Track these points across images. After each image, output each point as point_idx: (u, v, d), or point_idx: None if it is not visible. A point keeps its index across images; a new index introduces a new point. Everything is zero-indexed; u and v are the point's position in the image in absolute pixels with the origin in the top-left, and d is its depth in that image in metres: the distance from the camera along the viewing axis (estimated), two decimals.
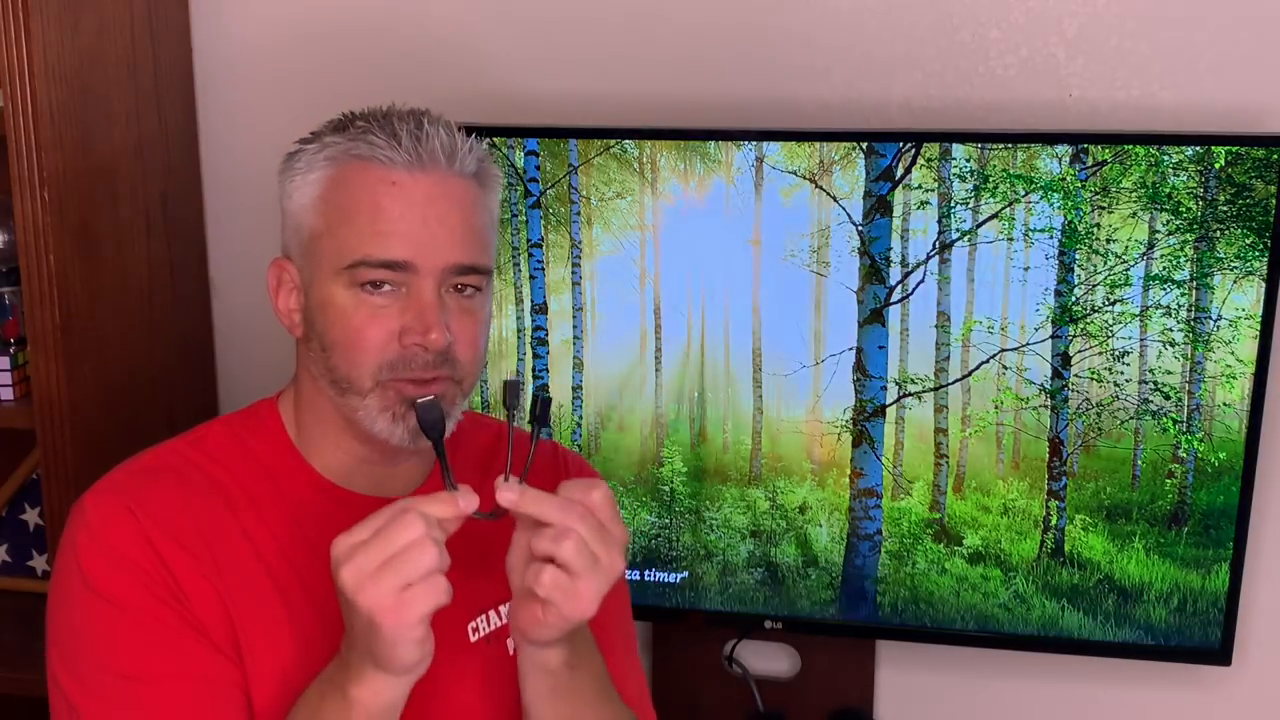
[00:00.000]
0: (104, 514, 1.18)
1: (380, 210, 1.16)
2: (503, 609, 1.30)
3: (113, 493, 1.20)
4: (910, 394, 1.71)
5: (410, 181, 1.17)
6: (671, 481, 1.80)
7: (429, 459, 1.30)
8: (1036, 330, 1.66)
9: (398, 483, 1.27)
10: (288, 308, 1.23)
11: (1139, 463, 1.69)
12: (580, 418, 1.79)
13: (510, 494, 1.06)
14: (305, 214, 1.20)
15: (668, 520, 1.80)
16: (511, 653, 1.29)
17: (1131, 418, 1.67)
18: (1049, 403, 1.68)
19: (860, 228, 1.66)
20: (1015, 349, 1.67)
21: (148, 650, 1.15)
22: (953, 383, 1.70)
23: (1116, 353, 1.65)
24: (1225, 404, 1.65)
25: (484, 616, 1.30)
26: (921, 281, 1.67)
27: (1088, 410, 1.68)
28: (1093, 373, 1.66)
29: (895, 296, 1.68)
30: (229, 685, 1.17)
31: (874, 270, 1.67)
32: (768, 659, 1.98)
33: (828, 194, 1.66)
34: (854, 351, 1.71)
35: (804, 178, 1.66)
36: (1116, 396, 1.67)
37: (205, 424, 1.30)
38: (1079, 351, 1.66)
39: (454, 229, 1.18)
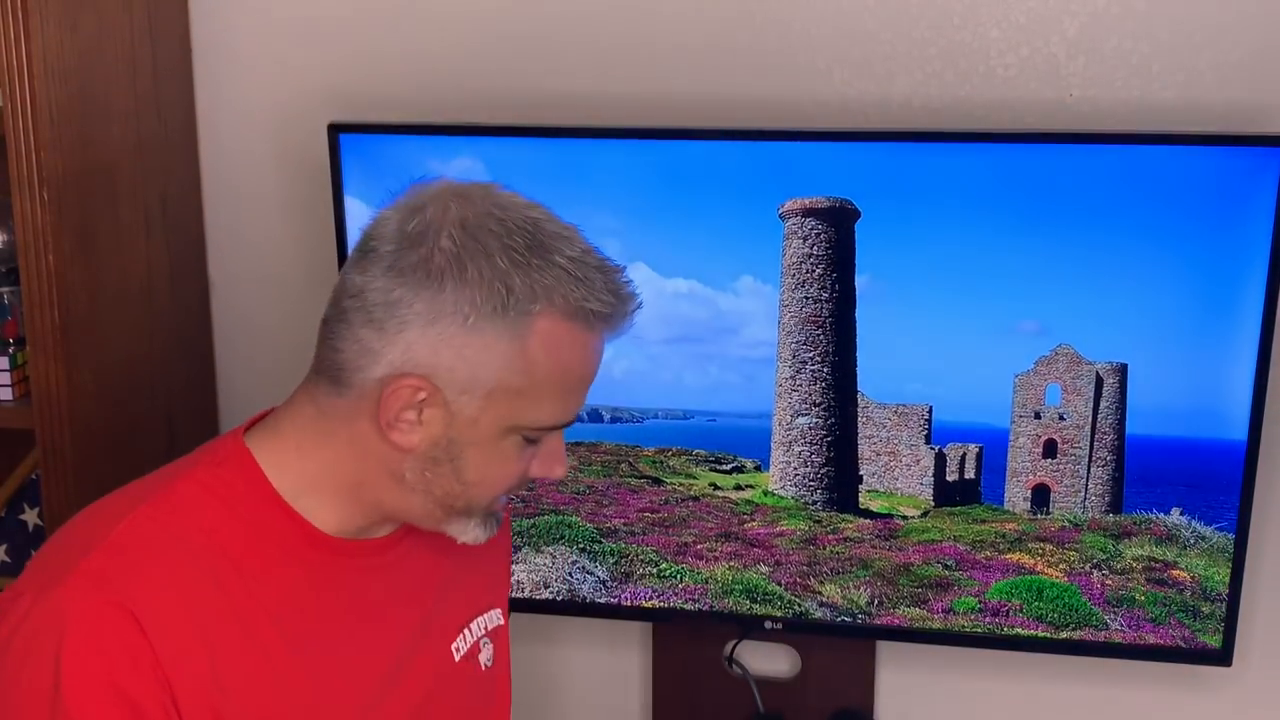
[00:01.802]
0: (95, 624, 1.01)
1: (581, 384, 1.13)
2: (474, 625, 1.30)
3: (99, 589, 1.03)
4: (907, 392, 1.71)
5: (602, 345, 1.13)
6: (673, 481, 1.80)
7: None
8: (1037, 334, 1.66)
9: (385, 527, 1.22)
10: (410, 423, 1.09)
11: (1138, 462, 1.69)
12: (582, 418, 1.79)
13: None
14: (494, 360, 1.06)
15: (669, 519, 1.80)
16: (483, 669, 1.30)
17: (1131, 418, 1.68)
18: (1049, 404, 1.69)
19: (858, 229, 1.66)
20: (1016, 352, 1.67)
21: None
22: (953, 384, 1.70)
23: (1115, 361, 1.66)
24: (1226, 403, 1.65)
25: (461, 636, 1.29)
26: (912, 279, 1.67)
27: (1087, 411, 1.68)
28: (1094, 374, 1.67)
29: (892, 299, 1.68)
30: None
31: (872, 272, 1.67)
32: (768, 659, 1.98)
33: (828, 194, 1.66)
34: (848, 348, 1.70)
35: (804, 178, 1.66)
36: (1116, 397, 1.67)
37: (168, 475, 1.15)
38: (1079, 351, 1.66)
39: None
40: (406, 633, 1.22)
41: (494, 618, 1.34)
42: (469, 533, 1.17)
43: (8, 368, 1.71)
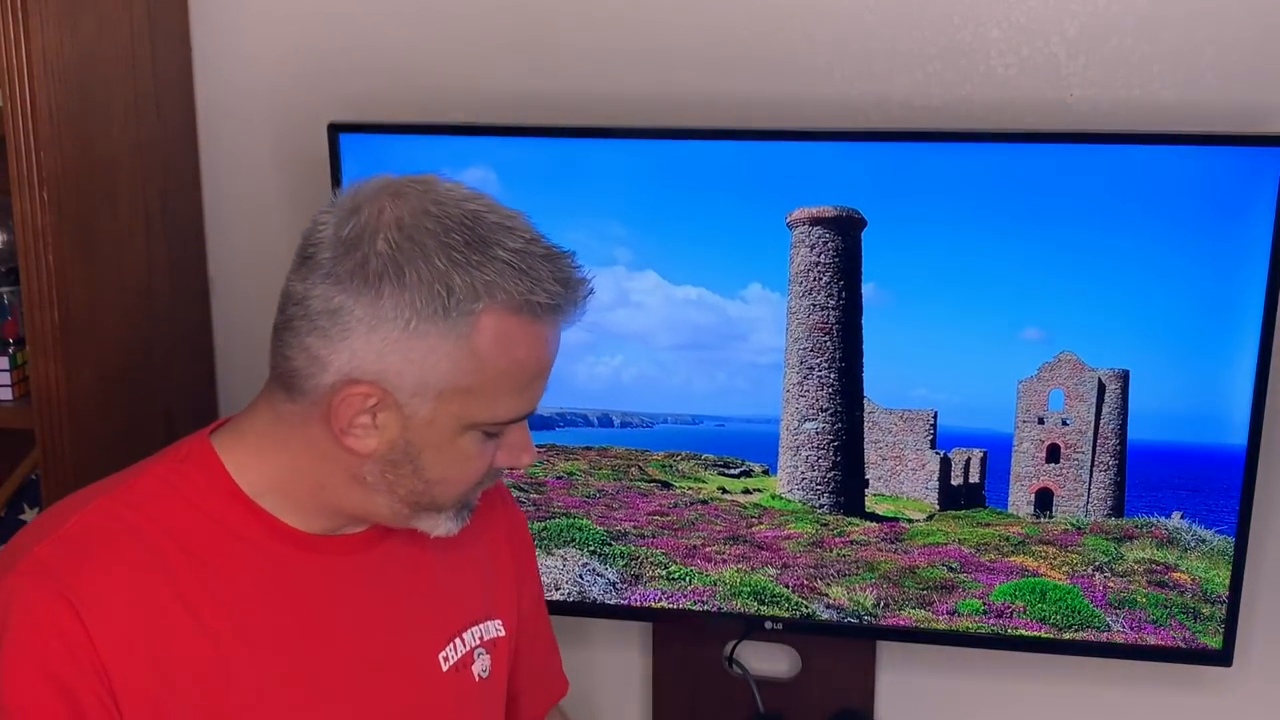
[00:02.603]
0: (35, 612, 1.02)
1: (538, 376, 1.11)
2: (467, 635, 1.28)
3: (43, 577, 1.04)
4: (912, 397, 1.71)
5: (557, 335, 1.11)
6: (682, 485, 1.80)
7: None
8: (1039, 332, 1.66)
9: (356, 526, 1.22)
10: (365, 428, 1.09)
11: (1140, 467, 1.69)
12: (592, 423, 1.79)
13: None
14: (442, 362, 1.06)
15: (678, 522, 1.80)
16: (477, 680, 1.28)
17: (1133, 424, 1.68)
18: (1052, 410, 1.69)
19: (860, 230, 1.66)
20: (1019, 359, 1.67)
21: None
22: (958, 390, 1.70)
23: (1117, 368, 1.66)
24: (1226, 403, 1.65)
25: (452, 645, 1.27)
26: (917, 287, 1.67)
27: (1090, 417, 1.68)
28: (1096, 380, 1.67)
29: (891, 301, 1.68)
30: None
31: (877, 280, 1.67)
32: (768, 659, 1.98)
33: (830, 195, 1.66)
34: (855, 355, 1.71)
35: (805, 178, 1.66)
36: (1118, 403, 1.67)
37: (133, 472, 1.16)
38: (1081, 358, 1.66)
39: None
40: (382, 634, 1.21)
41: (492, 629, 1.31)
42: (440, 526, 1.17)
43: (8, 368, 1.71)
